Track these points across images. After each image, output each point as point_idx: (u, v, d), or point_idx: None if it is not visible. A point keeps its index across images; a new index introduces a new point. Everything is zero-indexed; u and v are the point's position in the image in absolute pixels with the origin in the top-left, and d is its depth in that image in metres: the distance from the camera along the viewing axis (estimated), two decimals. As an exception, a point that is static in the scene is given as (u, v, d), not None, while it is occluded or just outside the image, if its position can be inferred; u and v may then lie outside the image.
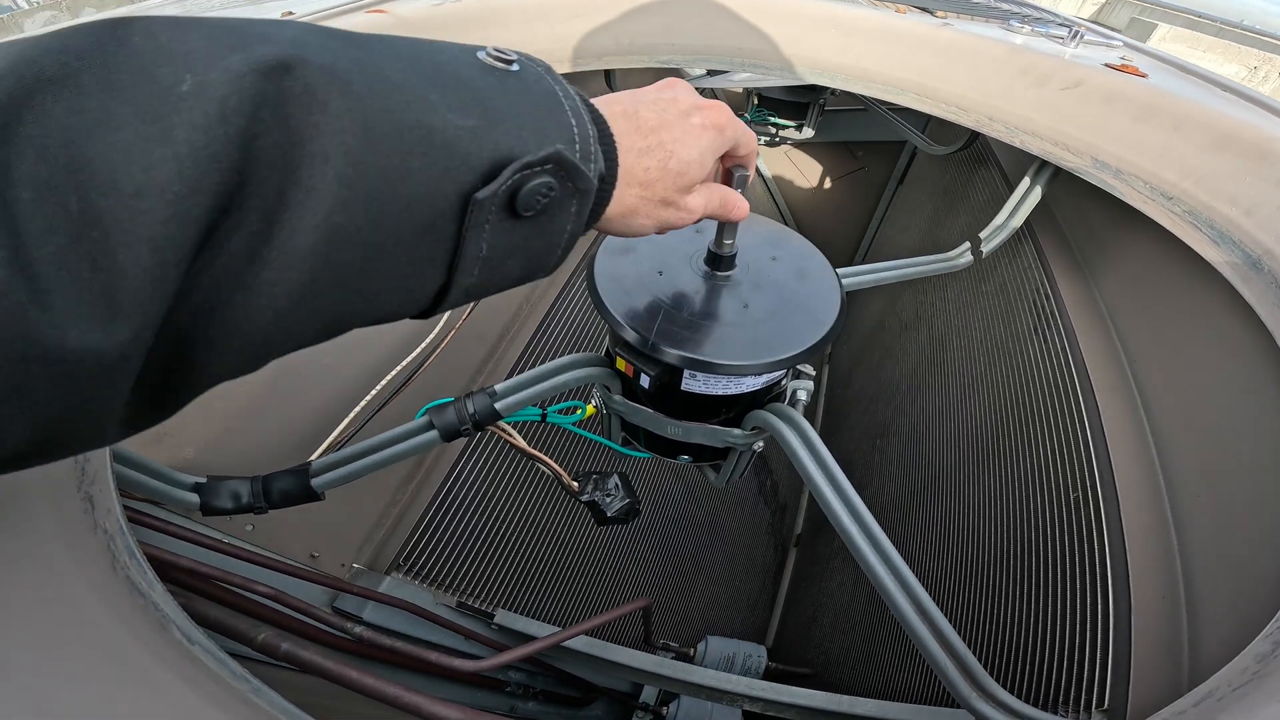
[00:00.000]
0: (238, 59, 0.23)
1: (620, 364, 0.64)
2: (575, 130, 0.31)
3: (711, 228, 0.62)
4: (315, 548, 0.86)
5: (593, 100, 0.36)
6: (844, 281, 0.66)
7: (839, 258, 2.68)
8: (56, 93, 0.21)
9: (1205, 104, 0.86)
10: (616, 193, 0.36)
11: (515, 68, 0.31)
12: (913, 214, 2.14)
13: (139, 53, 0.22)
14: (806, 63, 1.15)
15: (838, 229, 2.67)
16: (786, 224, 2.55)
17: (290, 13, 0.93)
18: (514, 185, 0.28)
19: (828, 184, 2.62)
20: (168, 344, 0.24)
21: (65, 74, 0.21)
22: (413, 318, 0.32)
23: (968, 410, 1.25)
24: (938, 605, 0.56)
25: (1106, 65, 0.98)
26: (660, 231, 0.43)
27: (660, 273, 0.64)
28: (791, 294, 0.63)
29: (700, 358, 0.56)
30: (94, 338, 0.21)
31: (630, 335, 0.58)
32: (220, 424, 0.79)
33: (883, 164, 2.48)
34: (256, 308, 0.25)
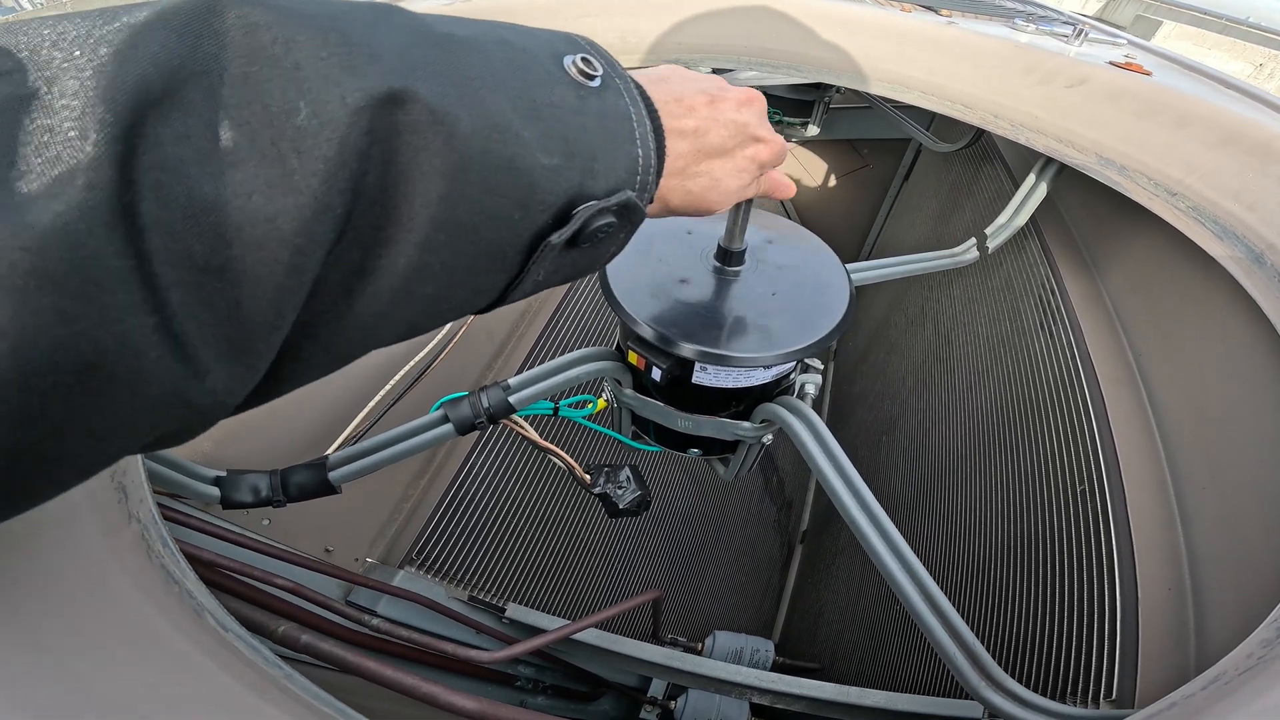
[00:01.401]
0: (353, 86, 0.22)
1: (632, 357, 0.65)
2: (640, 163, 0.31)
3: (720, 222, 0.63)
4: (330, 542, 0.87)
5: (665, 100, 0.35)
6: (851, 277, 0.67)
7: (844, 255, 2.67)
8: (164, 113, 0.19)
9: (1210, 101, 0.87)
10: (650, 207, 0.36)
11: (597, 83, 0.30)
12: (918, 211, 2.15)
13: (244, 57, 0.20)
14: (812, 61, 1.16)
15: (843, 226, 2.67)
16: (789, 217, 2.56)
17: None
18: (581, 226, 0.29)
19: (833, 182, 2.62)
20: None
21: (169, 86, 0.19)
22: None
23: (974, 404, 1.25)
24: (948, 596, 0.57)
25: (1111, 63, 0.98)
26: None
27: (672, 268, 0.65)
28: (800, 288, 0.64)
29: (711, 350, 0.57)
30: (222, 385, 0.22)
31: (642, 328, 0.59)
32: (238, 418, 0.80)
33: (888, 161, 2.48)
34: (344, 329, 0.26)
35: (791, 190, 0.50)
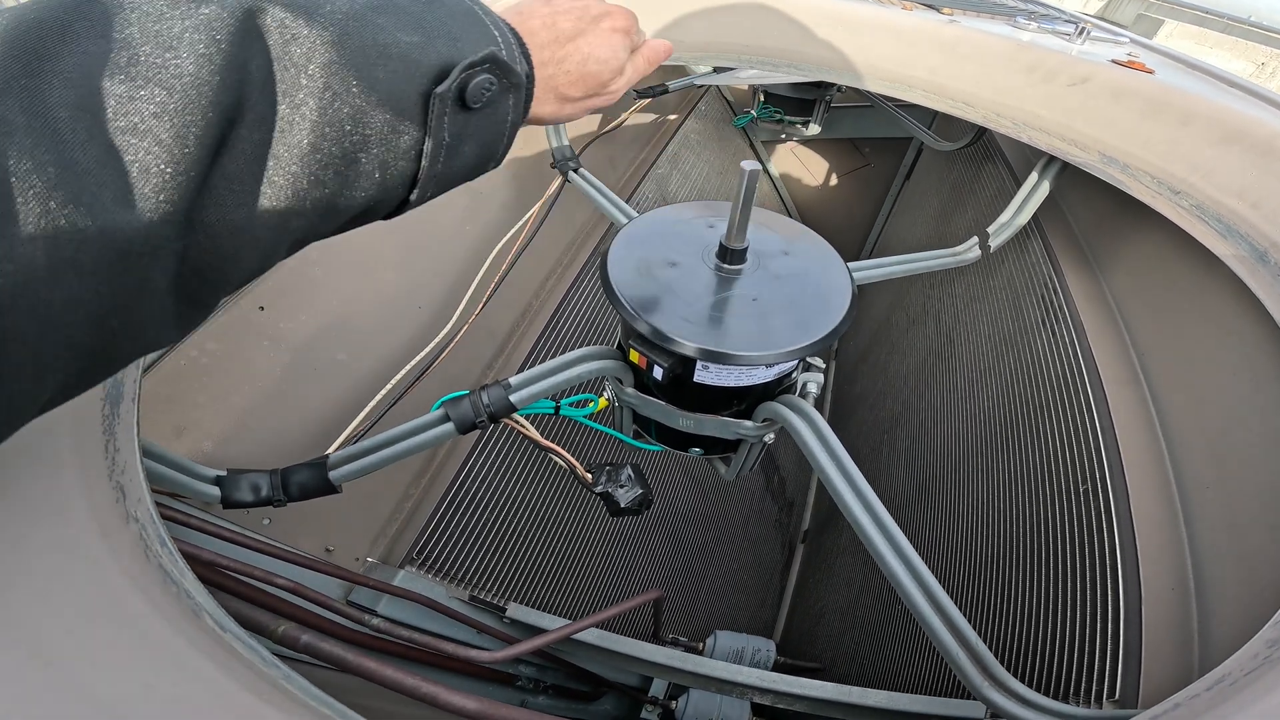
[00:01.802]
0: (211, 9, 0.27)
1: (633, 356, 0.65)
2: (499, 37, 0.37)
3: (723, 222, 0.63)
4: (330, 542, 0.87)
5: (514, 10, 0.43)
6: (853, 275, 0.66)
7: (845, 254, 2.67)
8: (61, 42, 0.25)
9: (1213, 99, 0.86)
10: (539, 91, 0.43)
11: None
12: (919, 210, 2.14)
13: (123, 9, 0.26)
14: (813, 60, 1.16)
15: (844, 225, 2.67)
16: (790, 216, 2.55)
17: None
18: (462, 82, 0.34)
19: (834, 181, 2.62)
20: (197, 241, 0.28)
21: (63, 29, 0.25)
22: (388, 215, 0.38)
23: (976, 404, 1.25)
24: (950, 595, 0.57)
25: (1114, 61, 0.98)
26: (594, 112, 0.50)
27: (673, 265, 0.65)
28: (802, 286, 0.64)
29: (713, 348, 0.57)
30: (133, 222, 0.26)
31: (643, 326, 0.59)
32: (237, 418, 0.80)
33: (889, 160, 2.48)
34: (266, 198, 0.30)
35: (667, 46, 0.54)
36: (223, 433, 0.78)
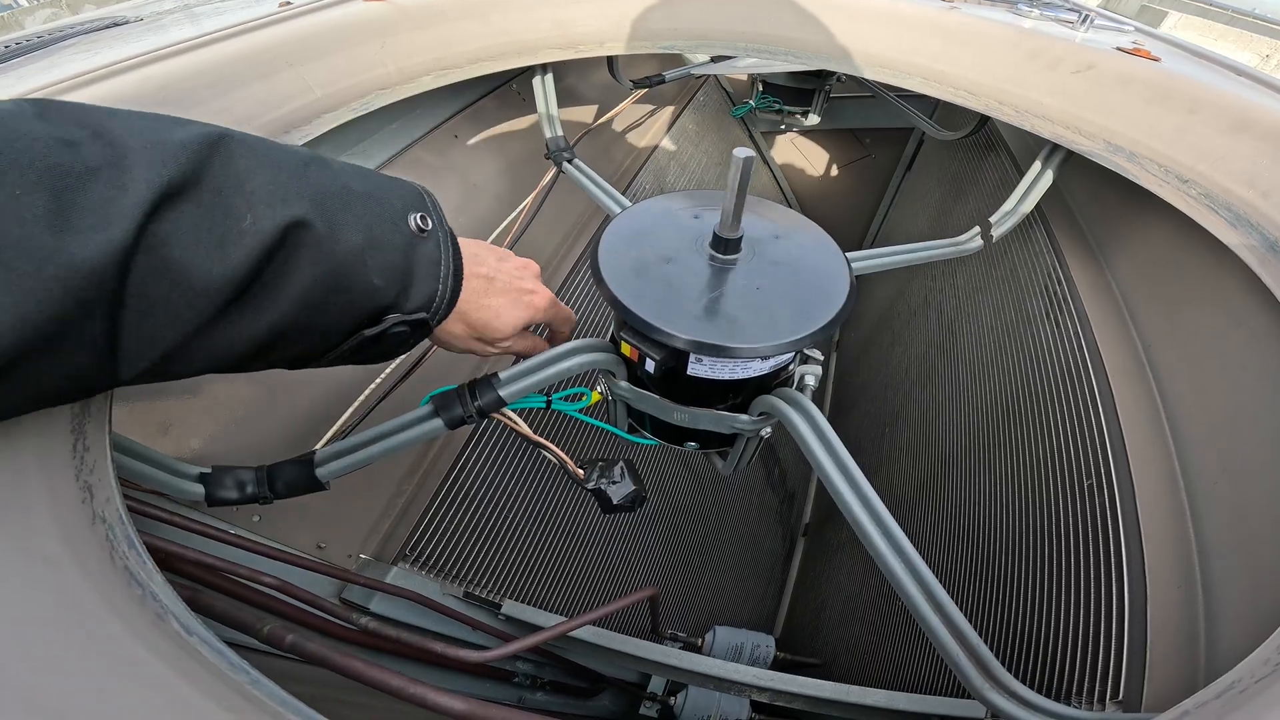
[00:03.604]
0: (279, 211, 0.36)
1: (625, 349, 0.63)
2: (438, 296, 0.47)
3: (718, 211, 0.61)
4: (322, 539, 0.86)
5: (469, 255, 0.53)
6: (852, 265, 0.65)
7: (846, 245, 2.64)
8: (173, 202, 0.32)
9: (1221, 87, 0.84)
10: (446, 324, 0.53)
11: (425, 236, 0.46)
12: (921, 201, 2.12)
13: (224, 176, 0.34)
14: (811, 47, 1.14)
15: (845, 217, 2.65)
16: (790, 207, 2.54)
17: (288, 2, 0.93)
18: (386, 328, 0.44)
19: (834, 172, 2.60)
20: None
21: (187, 185, 0.32)
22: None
23: (978, 396, 1.23)
24: (950, 594, 0.55)
25: (1119, 49, 0.96)
26: (471, 353, 0.60)
27: (666, 257, 0.63)
28: (799, 276, 0.62)
29: (707, 340, 0.55)
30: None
31: (634, 318, 0.57)
32: (224, 415, 0.78)
33: (890, 151, 2.46)
34: (218, 345, 0.36)
35: (558, 348, 0.66)
36: (208, 431, 0.76)
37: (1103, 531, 0.77)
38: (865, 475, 0.59)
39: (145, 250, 0.29)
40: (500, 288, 0.56)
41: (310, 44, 0.87)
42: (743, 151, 0.51)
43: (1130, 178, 0.85)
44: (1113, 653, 0.67)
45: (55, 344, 0.28)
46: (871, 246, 2.56)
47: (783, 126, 2.25)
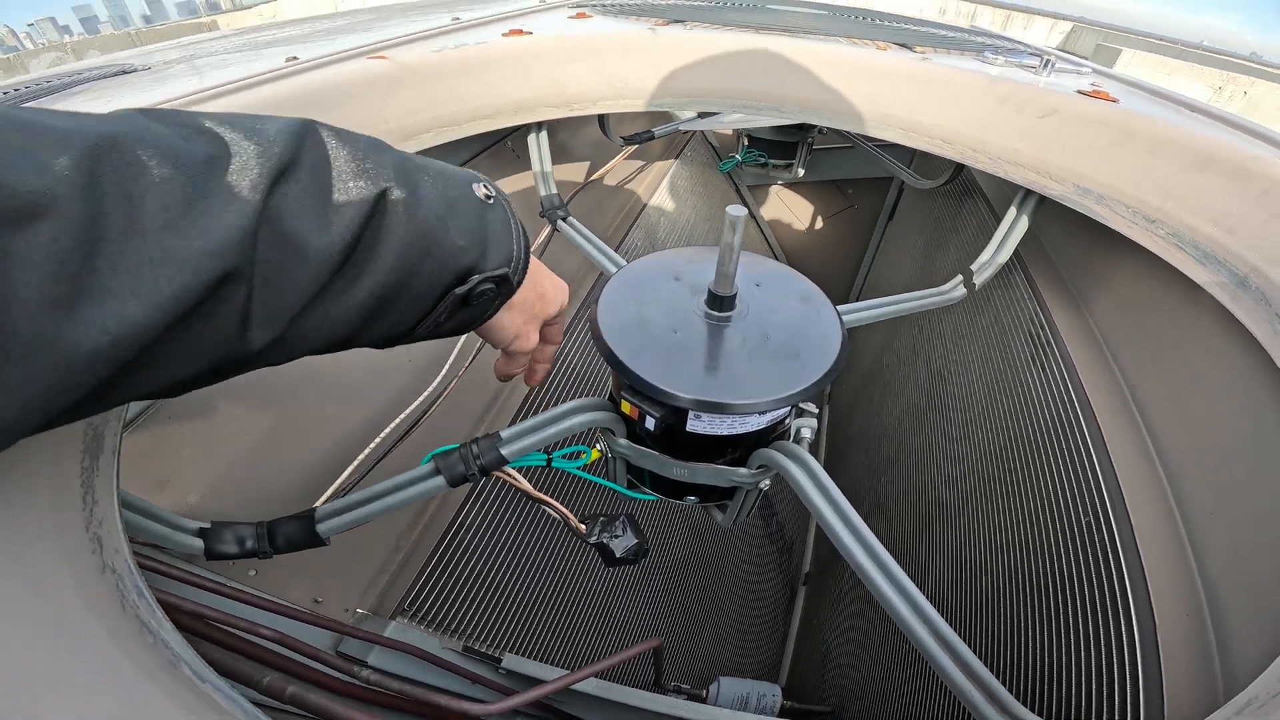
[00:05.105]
0: (366, 183, 0.39)
1: (625, 407, 0.64)
2: (514, 255, 0.49)
3: (712, 268, 0.63)
4: (319, 593, 0.85)
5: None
6: (843, 319, 0.67)
7: (834, 296, 2.69)
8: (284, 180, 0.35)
9: (1179, 125, 0.88)
10: (519, 291, 0.54)
11: (492, 203, 0.48)
12: (905, 249, 2.17)
13: (317, 155, 0.37)
14: (794, 102, 1.19)
15: (832, 267, 2.70)
16: (777, 260, 2.58)
17: (294, 58, 0.97)
18: (473, 287, 0.46)
19: (820, 224, 2.66)
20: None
21: (288, 167, 0.35)
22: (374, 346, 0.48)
23: (972, 442, 1.24)
24: (958, 634, 0.56)
25: (1079, 92, 1.01)
26: (506, 347, 0.59)
27: (662, 314, 0.65)
28: (793, 332, 0.64)
29: (705, 399, 0.57)
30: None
31: (634, 378, 0.59)
32: (224, 471, 0.79)
33: (872, 200, 2.53)
34: (330, 315, 0.39)
35: (539, 375, 0.68)
36: (208, 486, 0.76)
37: (1106, 565, 0.77)
38: (864, 522, 0.60)
39: (265, 223, 0.33)
40: (547, 282, 0.59)
41: (316, 99, 0.89)
42: (736, 209, 0.53)
43: (1101, 220, 0.89)
44: (1128, 682, 0.67)
45: (209, 310, 0.31)
46: (859, 296, 2.62)
47: (769, 179, 2.31)
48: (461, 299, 0.46)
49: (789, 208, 2.66)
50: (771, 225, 2.69)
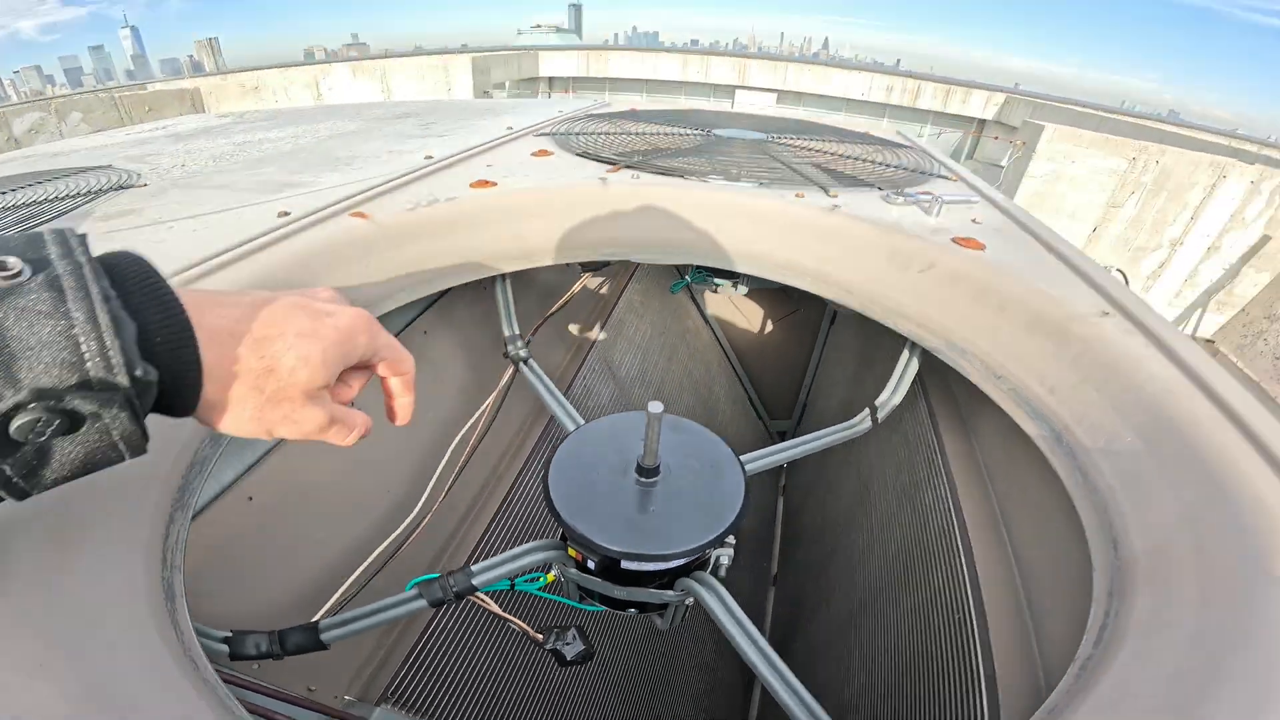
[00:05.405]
0: None
1: (571, 552, 0.84)
2: (84, 352, 0.31)
3: (642, 435, 0.81)
4: (311, 681, 0.98)
5: (199, 302, 0.38)
6: (751, 466, 0.86)
7: (783, 400, 2.93)
8: None
9: (1027, 278, 0.97)
10: (210, 388, 0.38)
11: (18, 283, 0.31)
12: (839, 362, 2.37)
13: None
14: (722, 252, 1.31)
15: (780, 372, 2.91)
16: (731, 365, 2.80)
17: (286, 212, 1.07)
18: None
19: (769, 327, 2.88)
20: None
21: None
22: None
23: (886, 543, 1.43)
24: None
25: (954, 239, 1.10)
26: (271, 437, 0.42)
27: (602, 482, 0.83)
28: (702, 492, 0.82)
29: (633, 551, 0.75)
30: None
31: (578, 535, 0.77)
32: (236, 585, 0.94)
33: (815, 307, 2.74)
34: None
35: (407, 369, 0.52)
36: (224, 596, 0.91)
37: (966, 655, 0.95)
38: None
39: None
40: (283, 320, 0.41)
41: (308, 262, 0.96)
42: (655, 406, 0.73)
43: (965, 374, 1.05)
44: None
45: None
46: (806, 398, 2.80)
47: (716, 288, 2.52)
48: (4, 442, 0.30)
49: (740, 311, 2.88)
50: (724, 327, 2.91)
